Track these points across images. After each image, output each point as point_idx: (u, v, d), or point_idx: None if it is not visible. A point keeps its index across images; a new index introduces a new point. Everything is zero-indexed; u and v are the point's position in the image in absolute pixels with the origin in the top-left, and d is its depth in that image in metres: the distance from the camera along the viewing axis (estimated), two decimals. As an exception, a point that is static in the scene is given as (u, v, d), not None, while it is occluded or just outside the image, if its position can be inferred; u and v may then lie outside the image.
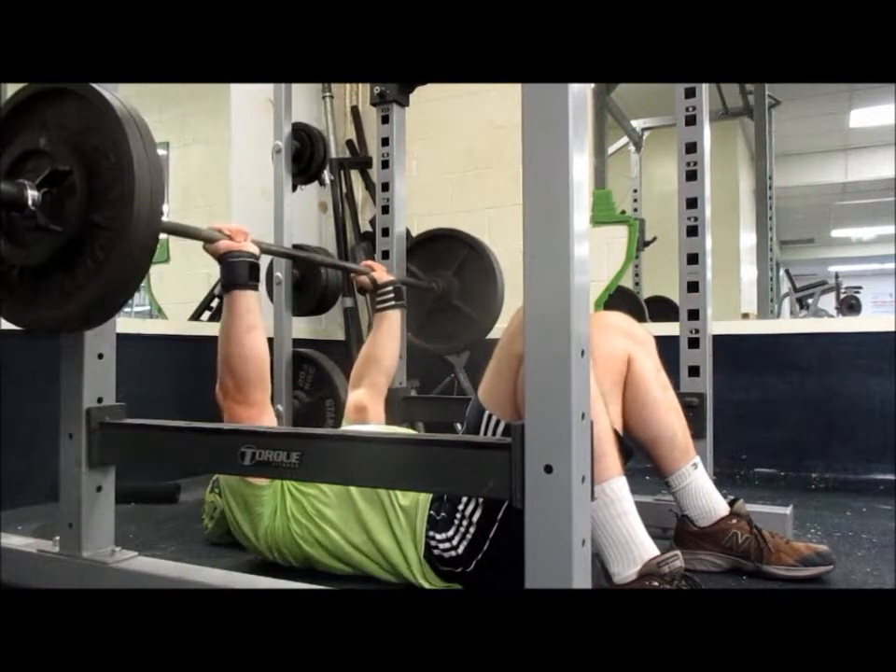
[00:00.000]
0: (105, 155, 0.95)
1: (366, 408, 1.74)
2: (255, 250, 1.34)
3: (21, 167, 1.01)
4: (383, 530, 1.31)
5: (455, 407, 2.05)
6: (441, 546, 1.25)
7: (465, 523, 1.23)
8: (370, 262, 2.00)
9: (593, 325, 0.88)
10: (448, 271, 2.24)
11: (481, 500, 1.22)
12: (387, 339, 1.86)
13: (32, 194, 0.98)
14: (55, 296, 1.00)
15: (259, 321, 1.32)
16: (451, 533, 1.25)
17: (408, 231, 3.20)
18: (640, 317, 3.19)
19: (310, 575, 1.35)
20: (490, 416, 1.20)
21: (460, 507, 1.24)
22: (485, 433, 1.19)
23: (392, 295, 1.89)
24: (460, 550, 1.24)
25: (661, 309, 3.32)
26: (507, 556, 0.96)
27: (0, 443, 1.88)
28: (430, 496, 1.29)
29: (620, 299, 3.09)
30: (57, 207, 0.98)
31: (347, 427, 1.69)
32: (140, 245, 0.94)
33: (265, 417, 1.34)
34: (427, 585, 1.29)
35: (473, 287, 2.23)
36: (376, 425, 1.75)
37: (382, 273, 1.94)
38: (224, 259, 1.30)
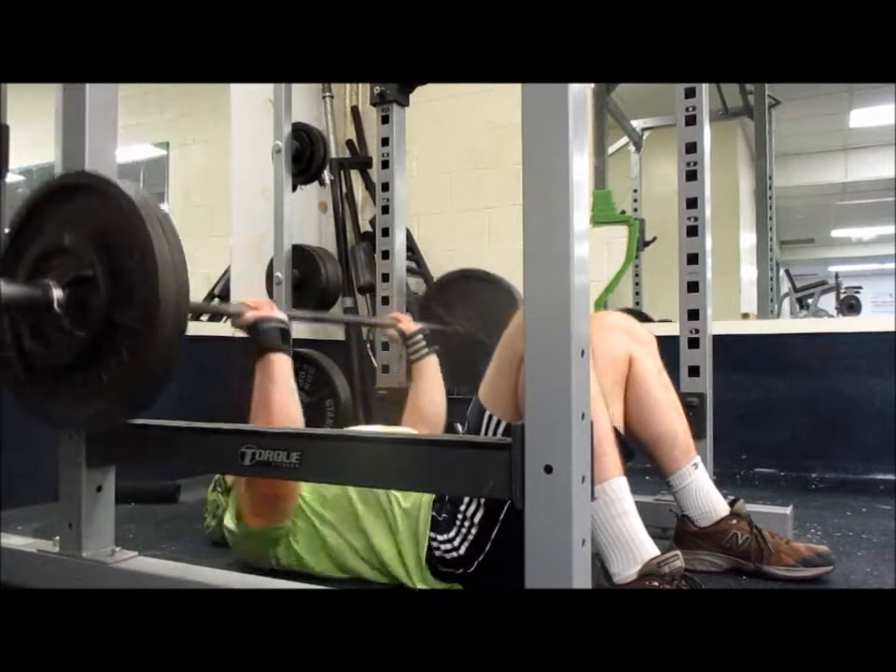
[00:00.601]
0: (130, 254, 0.93)
1: None
2: (283, 317, 1.36)
3: (44, 266, 1.00)
4: (382, 534, 1.31)
5: (456, 407, 2.05)
6: (443, 547, 1.25)
7: (466, 524, 1.23)
8: (395, 315, 1.99)
9: (594, 325, 0.89)
10: (472, 311, 2.22)
11: (482, 501, 1.22)
12: (429, 387, 1.84)
13: (57, 295, 0.97)
14: (80, 395, 0.99)
15: (294, 384, 1.33)
16: (452, 534, 1.25)
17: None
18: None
19: (308, 577, 1.35)
20: (491, 416, 1.20)
21: (462, 507, 1.24)
22: (486, 433, 1.20)
23: (423, 343, 1.88)
24: (462, 551, 1.24)
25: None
26: (508, 557, 0.96)
27: (0, 443, 1.88)
28: (432, 497, 1.29)
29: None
30: (82, 307, 0.96)
31: None
32: (166, 347, 0.93)
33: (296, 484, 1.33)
34: (424, 588, 1.28)
35: (499, 324, 2.21)
36: (377, 426, 1.75)
37: (409, 324, 1.92)
38: (255, 327, 1.31)
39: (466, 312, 2.22)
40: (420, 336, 1.88)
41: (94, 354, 0.96)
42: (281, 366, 1.30)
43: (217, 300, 3.07)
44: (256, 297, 1.35)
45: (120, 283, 0.94)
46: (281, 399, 1.29)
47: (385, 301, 2.21)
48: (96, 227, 0.97)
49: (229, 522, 1.41)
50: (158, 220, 0.93)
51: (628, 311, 3.45)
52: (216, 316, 3.06)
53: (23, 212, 1.06)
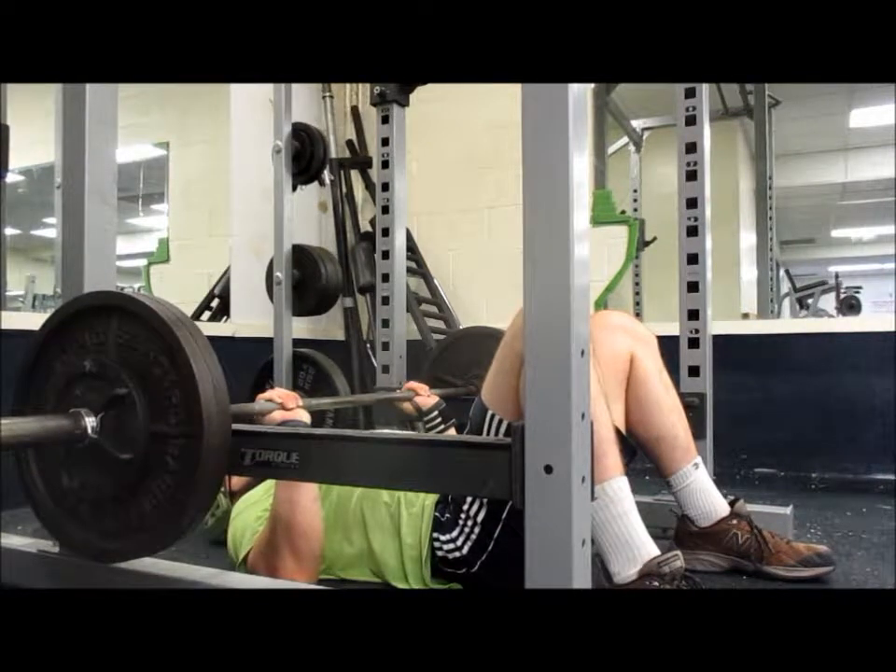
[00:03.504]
0: (157, 361, 0.91)
1: None
2: (307, 418, 1.36)
3: (69, 395, 0.97)
4: (385, 537, 1.31)
5: (456, 407, 2.05)
6: (446, 547, 1.25)
7: (469, 523, 1.24)
8: (412, 385, 1.93)
9: (596, 324, 0.89)
10: (481, 368, 2.20)
11: (485, 501, 1.22)
12: None
13: (90, 422, 0.94)
14: (137, 521, 0.96)
15: (317, 490, 1.30)
16: (455, 534, 1.25)
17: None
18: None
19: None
20: (493, 416, 1.20)
21: (465, 507, 1.24)
22: (489, 433, 1.20)
23: (440, 419, 1.84)
24: (464, 550, 1.24)
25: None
26: (511, 557, 0.96)
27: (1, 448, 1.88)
28: (435, 500, 1.29)
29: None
30: (118, 428, 0.94)
31: None
32: (217, 443, 0.90)
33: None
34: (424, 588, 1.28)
35: None
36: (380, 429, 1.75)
37: (424, 399, 1.87)
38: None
39: (473, 370, 2.15)
40: (436, 412, 1.84)
41: (142, 475, 0.94)
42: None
43: (217, 299, 3.08)
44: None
45: (154, 390, 0.92)
46: (306, 506, 1.24)
47: (385, 300, 2.21)
48: (117, 344, 0.95)
49: (231, 549, 1.39)
50: (180, 322, 0.92)
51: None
52: (215, 316, 3.07)
53: (39, 344, 1.03)
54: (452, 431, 1.84)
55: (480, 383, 2.13)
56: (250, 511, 1.42)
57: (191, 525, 0.98)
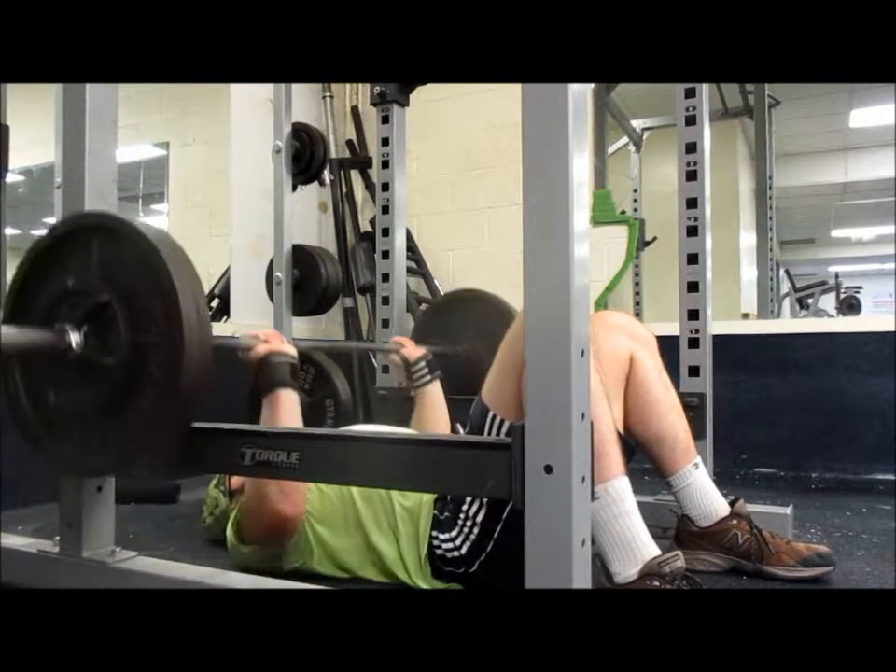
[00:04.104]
0: (140, 275, 0.92)
1: None
2: (292, 351, 1.35)
3: (54, 312, 0.98)
4: (383, 533, 1.31)
5: (458, 407, 2.05)
6: (444, 546, 1.25)
7: (468, 523, 1.23)
8: (398, 339, 1.96)
9: (595, 324, 0.89)
10: (471, 331, 2.18)
11: (485, 501, 1.22)
12: (433, 415, 1.81)
13: (74, 336, 0.95)
14: (124, 433, 0.96)
15: (301, 420, 1.32)
16: (454, 533, 1.25)
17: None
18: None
19: (309, 576, 1.35)
20: (494, 416, 1.20)
21: (464, 507, 1.24)
22: (489, 433, 1.20)
23: (426, 370, 1.85)
24: (463, 550, 1.24)
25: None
26: (511, 557, 0.96)
27: (0, 443, 1.88)
28: (433, 496, 1.29)
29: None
30: (102, 341, 0.95)
31: None
32: (199, 355, 0.91)
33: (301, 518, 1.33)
34: (424, 587, 1.28)
35: (498, 344, 2.18)
36: (379, 425, 1.75)
37: (411, 350, 1.89)
38: (264, 361, 1.30)
39: (466, 333, 2.18)
40: (423, 363, 1.85)
41: (128, 384, 0.94)
42: (289, 402, 1.29)
43: (217, 299, 3.08)
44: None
45: (137, 303, 0.93)
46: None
47: (385, 300, 2.21)
48: (101, 263, 0.96)
49: (229, 532, 1.40)
50: (164, 241, 0.93)
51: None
52: (215, 316, 3.07)
53: (32, 255, 1.04)
54: (436, 385, 1.85)
55: (466, 344, 2.17)
56: None
57: (174, 438, 0.99)
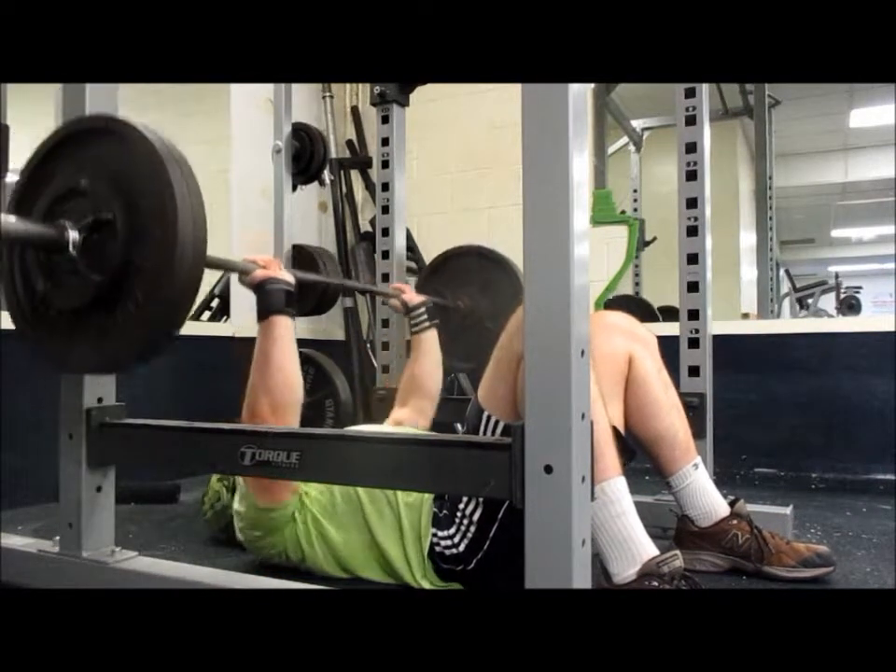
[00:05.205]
0: (147, 195, 0.92)
1: (404, 426, 1.75)
2: (290, 278, 1.34)
3: (59, 207, 0.98)
4: (387, 530, 1.31)
5: (456, 407, 2.05)
6: (443, 543, 1.26)
7: (465, 521, 1.24)
8: (398, 285, 2.00)
9: (594, 324, 0.89)
10: (472, 288, 2.20)
11: (481, 500, 1.22)
12: (428, 361, 1.85)
13: (72, 236, 0.95)
14: (94, 338, 0.97)
15: (295, 347, 1.32)
16: (452, 531, 1.25)
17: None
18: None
19: (310, 576, 1.35)
20: (489, 417, 1.20)
21: (461, 506, 1.24)
22: (485, 434, 1.20)
23: (426, 316, 1.88)
24: (461, 548, 1.24)
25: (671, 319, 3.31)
26: (507, 556, 0.96)
27: (0, 443, 1.88)
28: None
29: (629, 306, 3.07)
30: (97, 249, 0.95)
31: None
32: (182, 289, 0.91)
33: None
34: (427, 586, 1.29)
35: (499, 304, 2.17)
36: (380, 425, 1.75)
37: (412, 295, 1.93)
38: (261, 286, 1.30)
39: (465, 288, 2.20)
40: (423, 309, 1.89)
41: (109, 297, 0.94)
42: (284, 328, 1.29)
43: (217, 299, 3.08)
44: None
45: (137, 223, 0.92)
46: (280, 361, 1.28)
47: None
48: (114, 168, 0.95)
49: (237, 504, 1.40)
50: (177, 163, 0.91)
51: (628, 298, 3.44)
52: (215, 316, 3.07)
53: (39, 153, 1.03)
54: (433, 333, 1.88)
55: (466, 299, 2.18)
56: None
57: (149, 358, 0.99)
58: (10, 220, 0.94)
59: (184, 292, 0.92)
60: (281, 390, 1.28)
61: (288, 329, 1.30)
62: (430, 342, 1.87)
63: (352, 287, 2.07)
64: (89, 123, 1.02)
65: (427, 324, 1.88)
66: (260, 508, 1.33)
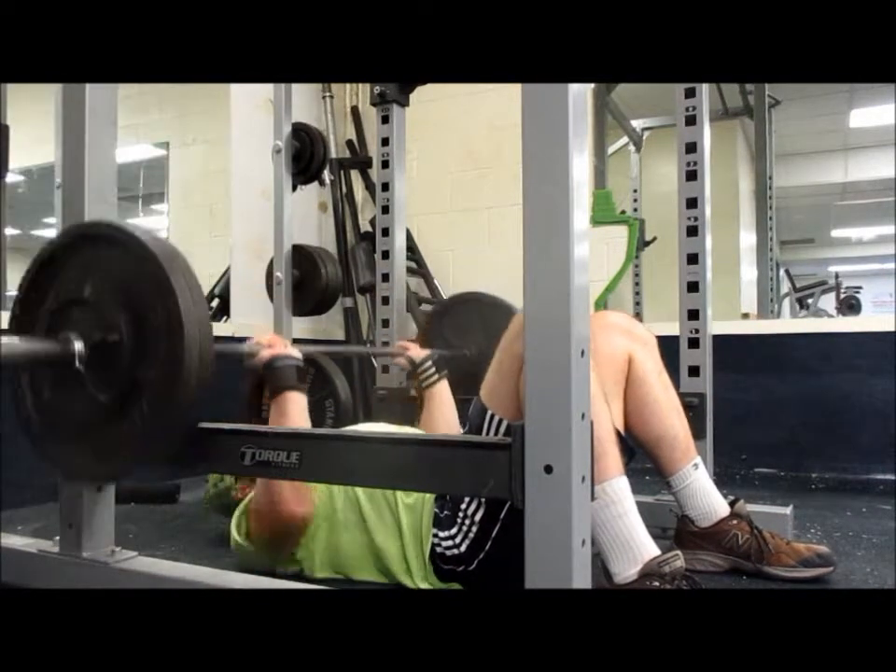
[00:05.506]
0: (152, 308, 0.91)
1: None
2: (296, 353, 1.35)
3: (63, 317, 0.98)
4: (386, 532, 1.31)
5: (458, 407, 2.05)
6: (444, 544, 1.26)
7: (467, 522, 1.24)
8: (403, 343, 1.98)
9: (594, 324, 0.89)
10: (478, 334, 2.18)
11: (483, 500, 1.22)
12: (442, 411, 1.80)
13: (78, 349, 0.95)
14: (101, 450, 0.97)
15: (309, 421, 1.32)
16: (454, 531, 1.25)
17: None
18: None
19: (299, 577, 1.35)
20: (493, 416, 1.20)
21: (462, 506, 1.24)
22: (488, 433, 1.20)
23: (433, 370, 1.85)
24: (462, 548, 1.24)
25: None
26: (509, 556, 0.96)
27: (0, 443, 1.88)
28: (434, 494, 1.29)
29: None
30: (104, 365, 0.95)
31: None
32: (190, 399, 0.91)
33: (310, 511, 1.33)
34: (424, 587, 1.28)
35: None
36: (379, 425, 1.75)
37: (417, 350, 1.90)
38: (270, 365, 1.30)
39: (471, 335, 2.17)
40: (429, 363, 1.85)
41: (116, 412, 0.95)
42: (297, 405, 1.30)
43: (217, 299, 3.08)
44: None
45: (144, 341, 0.92)
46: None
47: (385, 300, 2.21)
48: (117, 279, 0.95)
49: (233, 529, 1.40)
50: (181, 272, 0.91)
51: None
52: (215, 316, 3.06)
53: (39, 261, 1.03)
54: (444, 384, 1.85)
55: (473, 346, 2.17)
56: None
57: (153, 461, 1.01)
58: (13, 342, 0.93)
59: (191, 401, 0.92)
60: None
61: (302, 404, 1.31)
62: (443, 393, 1.83)
63: (356, 353, 2.09)
64: (89, 230, 1.02)
65: (435, 377, 1.83)
66: (258, 549, 1.34)
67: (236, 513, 1.41)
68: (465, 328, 2.19)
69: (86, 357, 0.95)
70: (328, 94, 3.48)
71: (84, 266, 0.99)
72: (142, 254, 0.93)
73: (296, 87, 2.21)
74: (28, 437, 1.07)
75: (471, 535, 1.23)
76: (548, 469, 0.76)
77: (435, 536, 1.27)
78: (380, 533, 1.31)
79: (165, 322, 0.91)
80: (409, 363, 1.89)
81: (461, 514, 1.24)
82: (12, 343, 0.93)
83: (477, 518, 1.23)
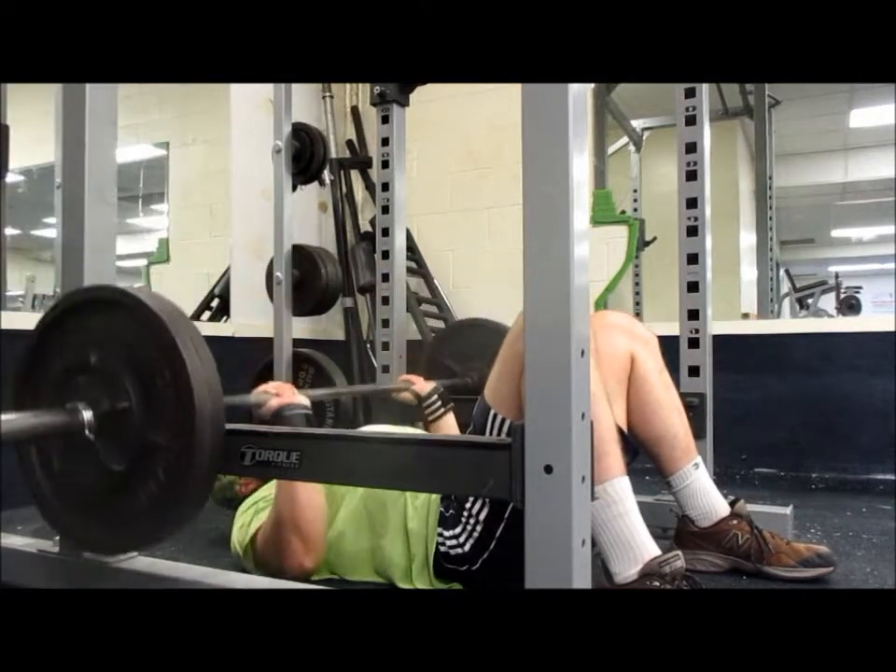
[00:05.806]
0: (160, 372, 0.91)
1: None
2: (306, 402, 1.34)
3: (69, 385, 0.97)
4: (394, 534, 1.31)
5: (461, 407, 2.04)
6: (448, 543, 1.26)
7: (472, 521, 1.24)
8: (407, 377, 1.96)
9: (595, 324, 0.89)
10: (481, 362, 2.14)
11: (488, 500, 1.22)
12: None
13: (87, 418, 0.94)
14: (116, 522, 0.96)
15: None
16: (458, 530, 1.25)
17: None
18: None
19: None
20: (496, 415, 1.20)
21: (467, 505, 1.25)
22: (491, 432, 1.20)
23: (439, 403, 1.84)
24: (466, 548, 1.24)
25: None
26: (513, 556, 0.96)
27: (0, 443, 1.88)
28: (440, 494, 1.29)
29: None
30: (114, 432, 0.94)
31: None
32: (205, 462, 0.91)
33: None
34: (423, 587, 1.28)
35: None
36: (380, 425, 1.75)
37: (422, 384, 1.88)
38: (279, 414, 1.30)
39: (473, 363, 2.15)
40: (435, 396, 1.84)
41: (129, 480, 0.94)
42: None
43: (217, 299, 3.08)
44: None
45: (154, 406, 0.92)
46: (309, 494, 1.28)
47: (385, 300, 2.21)
48: (123, 344, 0.94)
49: (240, 552, 1.39)
50: (188, 336, 0.91)
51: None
52: (215, 316, 3.07)
53: (43, 325, 1.02)
54: (451, 416, 1.84)
55: (475, 374, 2.16)
56: (249, 512, 1.43)
57: (172, 529, 0.97)
58: (20, 417, 0.91)
59: (207, 464, 0.92)
60: (312, 524, 1.28)
61: None
62: (449, 426, 1.82)
63: (360, 392, 2.13)
64: (93, 294, 1.01)
65: (441, 410, 1.83)
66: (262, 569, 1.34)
67: (243, 540, 1.39)
68: (467, 354, 2.18)
69: (96, 426, 0.94)
70: (328, 94, 3.48)
71: (88, 332, 0.98)
72: (147, 318, 0.92)
73: (296, 87, 2.21)
74: (39, 508, 1.06)
75: (476, 534, 1.23)
76: (548, 469, 0.76)
77: (440, 535, 1.27)
78: (386, 536, 1.31)
79: (174, 385, 0.90)
80: (414, 397, 1.87)
81: (466, 513, 1.24)
82: (19, 418, 0.91)
83: (482, 517, 1.23)
